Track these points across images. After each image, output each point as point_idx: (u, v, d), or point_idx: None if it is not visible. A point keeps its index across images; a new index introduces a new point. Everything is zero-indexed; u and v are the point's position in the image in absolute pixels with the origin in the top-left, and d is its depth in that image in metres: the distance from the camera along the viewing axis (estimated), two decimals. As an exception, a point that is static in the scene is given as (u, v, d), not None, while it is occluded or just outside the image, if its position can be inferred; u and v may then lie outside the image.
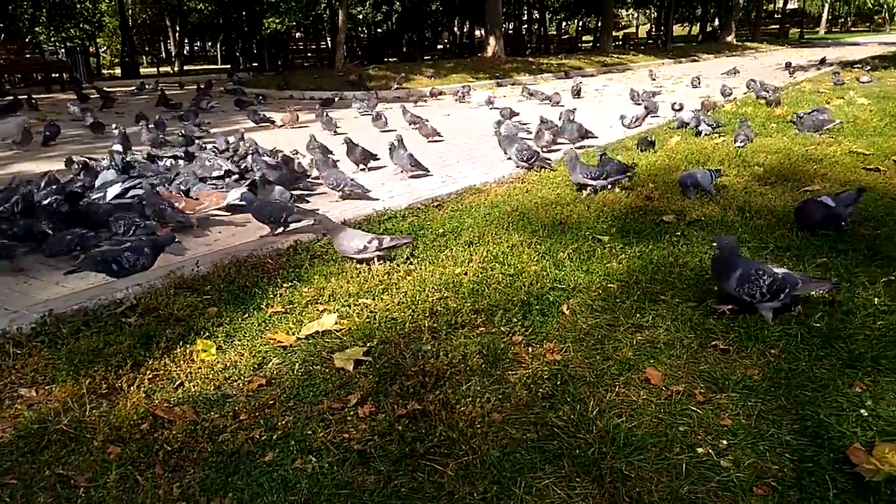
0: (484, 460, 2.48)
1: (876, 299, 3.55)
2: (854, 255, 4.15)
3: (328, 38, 31.48)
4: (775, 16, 60.24)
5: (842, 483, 2.35)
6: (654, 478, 2.40)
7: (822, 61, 21.10)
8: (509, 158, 7.42)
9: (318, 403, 2.87)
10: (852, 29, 63.23)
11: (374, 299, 3.78)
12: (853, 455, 2.43)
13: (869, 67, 18.38)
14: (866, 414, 2.69)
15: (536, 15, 44.76)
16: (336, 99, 15.05)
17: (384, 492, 2.35)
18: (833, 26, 64.37)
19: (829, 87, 14.02)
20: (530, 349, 3.24)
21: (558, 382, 2.97)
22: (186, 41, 44.26)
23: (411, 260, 4.39)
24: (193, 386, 3.06)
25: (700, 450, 2.53)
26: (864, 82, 14.01)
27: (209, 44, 50.74)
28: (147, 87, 19.11)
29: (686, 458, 2.48)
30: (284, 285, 4.04)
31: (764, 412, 2.74)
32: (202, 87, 16.93)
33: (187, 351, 3.33)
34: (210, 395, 2.99)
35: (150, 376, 3.13)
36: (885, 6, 16.28)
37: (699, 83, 16.54)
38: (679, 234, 4.70)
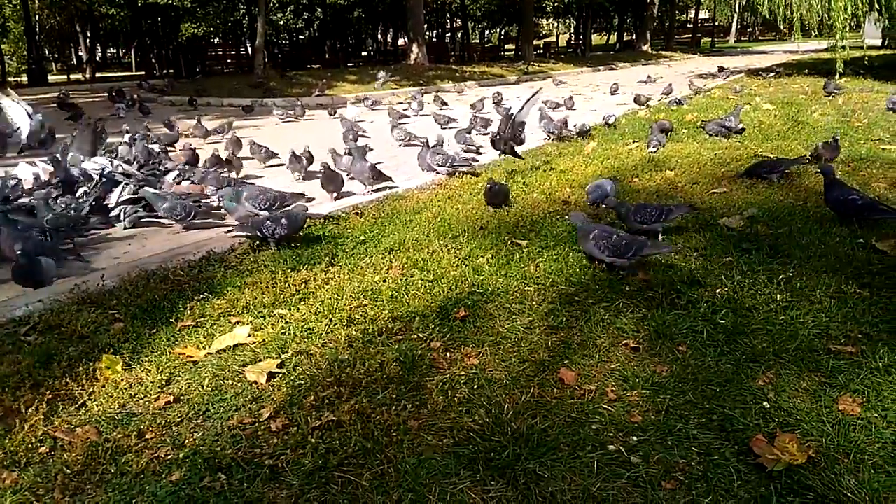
0: (399, 468, 2.46)
1: (777, 295, 3.72)
2: (757, 253, 4.35)
3: (248, 45, 30.86)
4: (688, 25, 62.87)
5: (746, 474, 2.44)
6: (567, 477, 2.44)
7: (720, 70, 22.11)
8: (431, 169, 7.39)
9: (229, 419, 2.78)
10: (760, 38, 66.65)
11: (289, 309, 3.71)
12: (756, 446, 2.54)
13: (773, 74, 19.39)
14: (768, 406, 2.81)
15: (459, 23, 45.24)
16: (255, 106, 14.74)
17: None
18: (742, 35, 67.75)
19: (736, 93, 14.70)
20: (448, 354, 3.25)
21: (475, 386, 2.98)
22: (98, 47, 42.45)
23: (330, 268, 4.33)
24: (97, 405, 2.92)
25: (611, 447, 2.59)
26: (737, 91, 14.75)
27: (122, 50, 48.87)
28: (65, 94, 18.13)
29: (598, 456, 2.53)
30: (195, 298, 3.91)
31: (672, 408, 2.82)
32: (114, 94, 16.19)
33: (91, 369, 3.17)
34: (114, 414, 2.86)
35: (51, 397, 2.97)
36: (787, 19, 17.16)
37: (617, 90, 17.06)
38: (594, 236, 4.80)
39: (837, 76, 15.74)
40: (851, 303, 3.61)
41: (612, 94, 16.75)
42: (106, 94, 16.36)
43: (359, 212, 5.74)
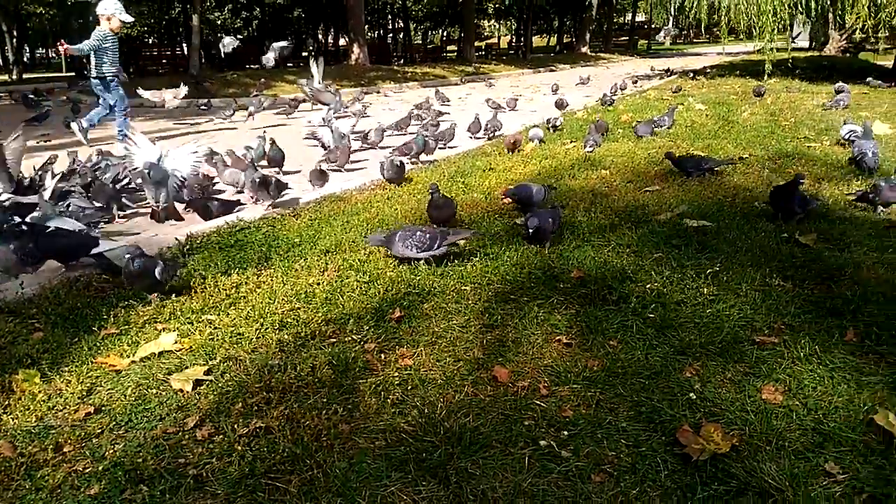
0: (329, 473, 2.42)
1: (705, 289, 3.82)
2: (686, 249, 4.46)
3: (183, 45, 30.08)
4: (625, 28, 64.29)
5: (672, 464, 2.49)
6: (498, 474, 2.44)
7: (652, 70, 22.72)
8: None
9: (153, 429, 2.68)
10: (695, 41, 68.59)
11: (219, 315, 3.61)
12: (682, 436, 2.59)
13: (707, 75, 19.99)
14: (695, 397, 2.87)
15: (401, 24, 45.15)
16: (188, 106, 14.37)
17: (219, 515, 2.24)
18: (678, 38, 69.62)
19: (670, 94, 15.10)
20: (382, 356, 3.21)
21: (409, 387, 2.96)
22: (27, 47, 40.69)
23: (262, 271, 4.24)
24: (12, 419, 2.78)
25: (543, 442, 2.60)
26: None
27: (52, 50, 46.94)
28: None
29: (529, 452, 2.54)
30: (120, 305, 3.77)
31: (603, 401, 2.86)
32: (30, 95, 15.11)
33: (6, 381, 3.02)
34: (30, 427, 2.72)
35: (-39, 413, 2.81)
36: (718, 22, 17.76)
37: (557, 89, 17.28)
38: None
39: (766, 77, 16.34)
40: (775, 295, 3.73)
41: (554, 93, 16.94)
42: (22, 97, 14.92)
43: (295, 213, 5.65)
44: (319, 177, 6.50)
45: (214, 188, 6.59)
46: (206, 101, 14.82)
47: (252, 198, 6.11)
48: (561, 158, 7.66)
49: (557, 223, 4.66)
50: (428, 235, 4.19)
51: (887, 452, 2.47)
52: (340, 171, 7.51)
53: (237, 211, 5.71)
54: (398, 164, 6.50)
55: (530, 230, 4.39)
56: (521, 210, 5.36)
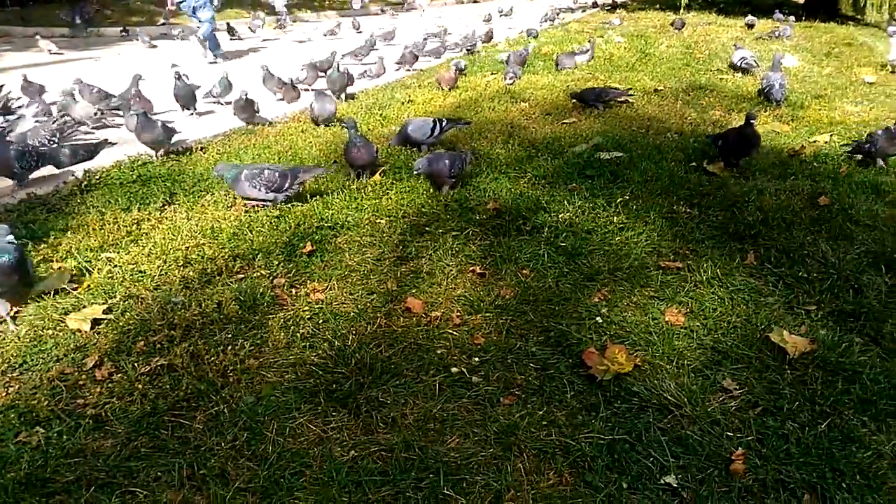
0: (235, 408, 2.37)
1: (615, 218, 3.89)
2: (599, 179, 4.51)
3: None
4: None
5: (578, 385, 2.55)
6: (409, 401, 2.44)
7: (574, 2, 22.51)
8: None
9: (48, 370, 2.55)
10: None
11: (118, 252, 3.43)
12: (588, 358, 2.65)
13: (628, 8, 20.04)
14: (601, 321, 2.94)
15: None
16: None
17: (122, 454, 2.16)
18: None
19: (592, 27, 15.07)
20: (293, 291, 3.14)
21: (320, 321, 2.91)
22: None
23: (166, 207, 4.04)
24: None
25: (454, 369, 2.62)
26: (615, 24, 15.18)
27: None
28: None
29: (441, 379, 2.56)
30: (11, 245, 3.53)
31: (513, 328, 2.89)
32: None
33: None
34: (-90, 374, 2.54)
35: None
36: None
37: (491, 19, 16.82)
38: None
39: (683, 10, 16.50)
40: (682, 222, 3.83)
41: (486, 22, 16.53)
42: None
43: (202, 147, 5.38)
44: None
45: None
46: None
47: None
48: (481, 90, 7.57)
49: (459, 166, 4.29)
50: (277, 174, 3.92)
51: (781, 368, 2.60)
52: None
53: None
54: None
55: (415, 172, 4.16)
56: (412, 147, 5.22)
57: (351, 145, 4.42)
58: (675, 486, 2.07)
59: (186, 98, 6.63)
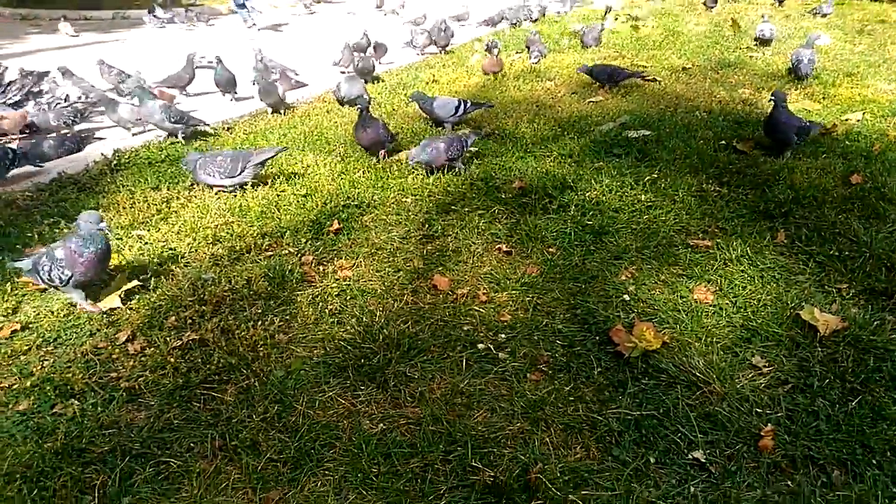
0: (266, 381, 2.40)
1: (642, 196, 3.85)
2: (626, 158, 4.47)
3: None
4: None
5: (605, 361, 2.55)
6: (436, 376, 2.46)
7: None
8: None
9: (82, 345, 2.61)
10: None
11: (149, 230, 3.49)
12: (615, 336, 2.64)
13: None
14: (629, 299, 2.93)
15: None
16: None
17: (155, 426, 2.21)
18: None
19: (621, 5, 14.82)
20: (320, 268, 3.17)
21: (347, 298, 2.93)
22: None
23: (194, 186, 4.09)
24: (-67, 340, 2.66)
25: (480, 345, 2.63)
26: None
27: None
28: None
29: (467, 355, 2.57)
30: (45, 222, 3.60)
31: (540, 305, 2.89)
32: None
33: (-75, 303, 2.88)
34: (-48, 348, 2.61)
35: None
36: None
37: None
38: (474, 148, 4.77)
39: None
40: (710, 200, 3.79)
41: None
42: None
43: (228, 127, 5.43)
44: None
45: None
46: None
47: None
48: (506, 70, 7.50)
49: (458, 149, 4.18)
50: (229, 160, 3.89)
51: (811, 346, 2.57)
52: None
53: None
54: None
55: (410, 162, 4.14)
56: (434, 124, 5.30)
57: (357, 125, 4.45)
58: (703, 461, 2.07)
59: (227, 83, 6.56)
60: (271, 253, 3.26)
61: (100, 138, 5.37)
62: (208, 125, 5.28)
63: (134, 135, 5.36)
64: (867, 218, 3.52)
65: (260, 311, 2.80)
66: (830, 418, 2.22)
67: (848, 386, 2.36)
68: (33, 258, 2.80)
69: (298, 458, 2.09)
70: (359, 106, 4.51)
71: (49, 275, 2.72)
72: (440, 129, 5.11)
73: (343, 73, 7.34)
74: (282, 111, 5.91)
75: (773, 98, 4.42)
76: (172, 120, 4.88)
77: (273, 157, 4.12)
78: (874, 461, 2.07)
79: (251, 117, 5.87)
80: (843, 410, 2.25)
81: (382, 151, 4.52)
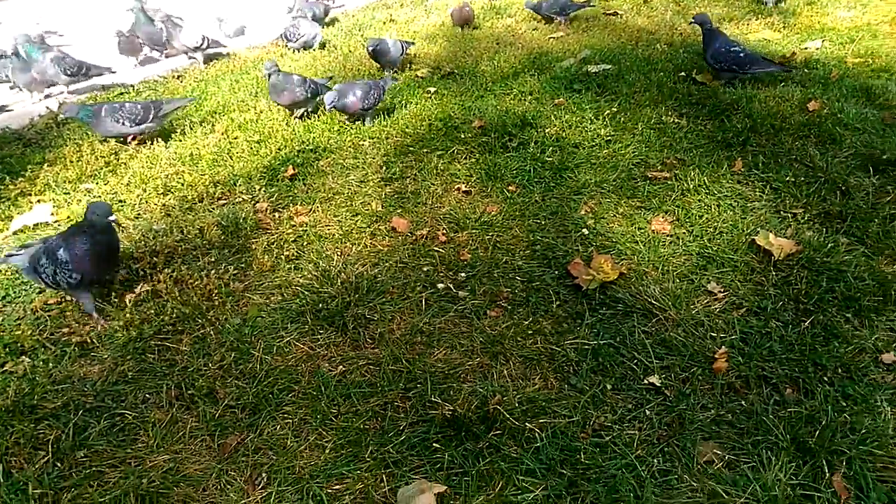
0: (221, 330, 2.37)
1: (602, 131, 3.82)
2: (586, 93, 4.41)
3: None
4: None
5: (564, 294, 2.55)
6: (395, 317, 2.45)
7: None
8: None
9: (31, 302, 2.55)
10: None
11: (97, 183, 3.39)
12: (574, 269, 2.65)
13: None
14: (587, 233, 2.92)
15: None
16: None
17: (109, 379, 2.18)
18: None
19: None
20: (276, 215, 3.11)
21: (304, 243, 2.89)
22: None
23: (143, 136, 3.96)
24: None
25: (440, 285, 2.62)
26: None
27: None
28: None
29: (427, 295, 2.56)
30: (-11, 180, 3.47)
31: (500, 243, 2.88)
32: None
33: None
34: None
35: None
36: None
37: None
38: (433, 89, 4.68)
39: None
40: (669, 132, 3.76)
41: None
42: None
43: (178, 75, 5.24)
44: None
45: None
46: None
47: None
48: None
49: (375, 96, 4.03)
50: (140, 106, 3.76)
51: (766, 270, 2.60)
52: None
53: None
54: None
55: (327, 108, 3.89)
56: (379, 65, 5.07)
57: (271, 89, 4.07)
58: (659, 385, 2.10)
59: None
60: (224, 201, 3.19)
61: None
62: (114, 72, 5.03)
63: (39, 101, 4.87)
64: (823, 143, 3.53)
65: (213, 260, 2.75)
66: (784, 339, 2.26)
67: (801, 307, 2.40)
68: (28, 253, 2.42)
69: (257, 404, 2.08)
70: (266, 72, 4.02)
71: (53, 278, 2.34)
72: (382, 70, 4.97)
73: (295, 17, 7.12)
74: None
75: (693, 22, 4.50)
76: (69, 72, 4.61)
77: (182, 106, 4.03)
78: (825, 378, 2.11)
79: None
80: (795, 331, 2.29)
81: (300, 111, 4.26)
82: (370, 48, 4.76)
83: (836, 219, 2.90)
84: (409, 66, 5.22)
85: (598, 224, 2.98)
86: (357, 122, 4.05)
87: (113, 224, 2.37)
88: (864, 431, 1.89)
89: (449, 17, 6.65)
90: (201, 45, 5.57)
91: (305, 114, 4.22)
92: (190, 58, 5.78)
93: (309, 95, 4.12)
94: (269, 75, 3.98)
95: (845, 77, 4.53)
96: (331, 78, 4.56)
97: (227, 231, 2.92)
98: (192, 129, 4.03)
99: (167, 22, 5.58)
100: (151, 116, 3.79)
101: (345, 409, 2.05)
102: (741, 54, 4.33)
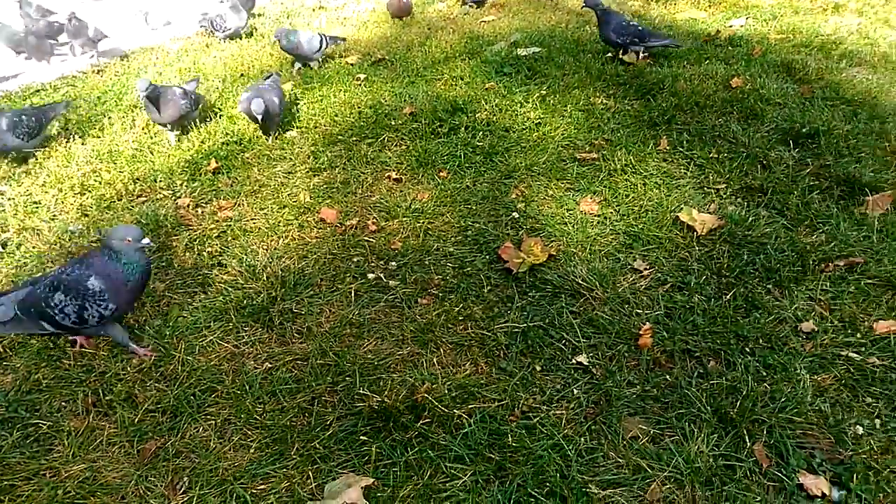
0: (141, 332, 2.29)
1: (532, 114, 3.82)
2: (516, 76, 4.41)
3: None
4: None
5: (495, 279, 2.55)
6: (324, 310, 2.41)
7: None
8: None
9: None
10: None
11: (10, 185, 3.22)
12: (504, 253, 2.64)
13: None
14: (518, 216, 2.92)
15: None
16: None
17: (23, 388, 2.11)
18: None
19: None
20: (199, 210, 3.01)
21: (228, 239, 2.81)
22: None
23: (59, 134, 3.79)
24: None
25: (371, 275, 2.58)
26: None
27: None
28: None
29: (357, 286, 2.52)
30: None
31: (431, 230, 2.86)
32: None
33: None
34: None
35: None
36: None
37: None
38: (363, 76, 4.61)
39: None
40: (597, 113, 3.79)
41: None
42: None
43: (98, 70, 5.04)
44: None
45: None
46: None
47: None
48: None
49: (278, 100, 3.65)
50: (32, 118, 3.42)
51: (689, 246, 2.65)
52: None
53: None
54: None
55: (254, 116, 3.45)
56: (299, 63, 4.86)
57: (151, 110, 3.49)
58: (587, 364, 2.11)
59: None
60: (144, 199, 3.08)
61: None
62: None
63: None
64: (746, 119, 3.62)
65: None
66: (706, 312, 2.30)
67: (724, 280, 2.45)
68: (10, 300, 2.07)
69: (178, 406, 2.01)
70: (141, 95, 3.40)
71: (78, 315, 2.03)
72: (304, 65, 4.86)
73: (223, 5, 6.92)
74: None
75: (585, 5, 4.58)
76: None
77: (62, 112, 3.74)
78: (747, 349, 2.16)
79: (122, 58, 5.45)
80: (718, 304, 2.33)
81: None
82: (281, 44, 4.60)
83: (757, 192, 2.97)
84: (339, 54, 5.13)
85: (528, 207, 2.98)
86: (285, 111, 3.95)
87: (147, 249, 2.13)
88: (783, 400, 1.95)
89: (384, 4, 6.52)
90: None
91: (188, 127, 3.79)
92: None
93: (192, 107, 3.69)
94: (148, 96, 3.39)
95: (767, 53, 4.64)
96: (196, 78, 4.06)
97: (147, 229, 2.81)
98: (111, 125, 3.87)
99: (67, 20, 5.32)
100: (40, 126, 3.46)
101: (270, 407, 2.00)
102: (639, 27, 4.49)
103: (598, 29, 4.61)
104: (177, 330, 2.30)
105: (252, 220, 2.94)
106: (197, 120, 3.79)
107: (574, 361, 2.13)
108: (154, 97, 3.40)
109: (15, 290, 2.13)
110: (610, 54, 4.64)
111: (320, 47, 4.76)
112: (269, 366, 2.16)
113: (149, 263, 2.16)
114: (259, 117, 3.40)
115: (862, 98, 3.72)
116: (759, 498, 1.70)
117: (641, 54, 4.49)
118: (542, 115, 3.79)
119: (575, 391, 2.03)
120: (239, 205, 3.04)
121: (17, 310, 2.06)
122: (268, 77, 3.90)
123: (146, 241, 2.08)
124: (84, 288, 2.02)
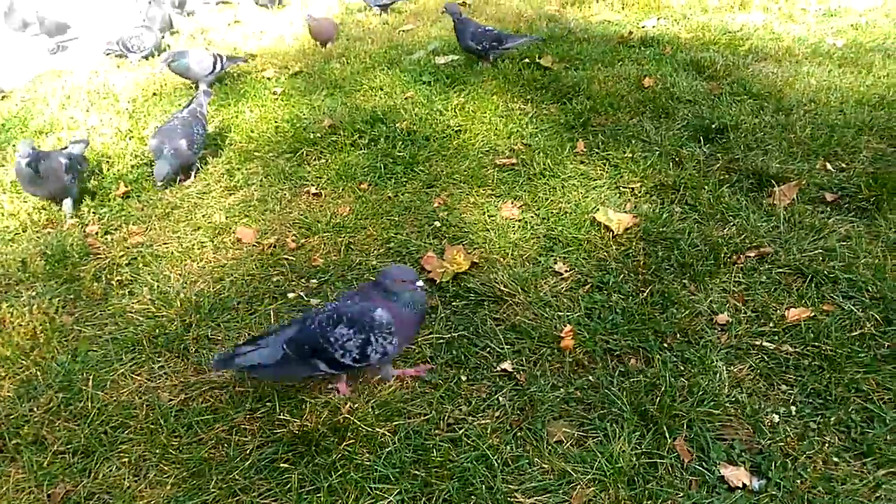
0: (49, 370, 2.17)
1: (452, 122, 3.83)
2: (436, 84, 4.41)
3: None
4: None
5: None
6: (242, 334, 2.34)
7: None
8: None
9: None
10: None
11: None
12: (427, 263, 2.63)
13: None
14: (440, 225, 2.91)
15: None
16: None
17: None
18: None
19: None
20: (108, 237, 2.89)
21: (139, 265, 2.70)
22: None
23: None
24: None
25: (291, 295, 2.52)
26: None
27: None
28: None
29: (277, 306, 2.46)
30: None
31: (353, 244, 2.81)
32: None
33: None
34: None
35: None
36: None
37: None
38: (279, 90, 4.53)
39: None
40: (516, 118, 3.83)
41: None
42: None
43: (3, 96, 4.80)
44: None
45: None
46: None
47: None
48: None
49: (202, 132, 3.44)
50: None
51: (607, 246, 2.69)
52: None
53: None
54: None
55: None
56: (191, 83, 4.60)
57: (27, 180, 2.99)
58: (511, 370, 2.11)
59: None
60: (50, 229, 2.93)
61: None
62: None
63: None
64: (658, 118, 3.71)
65: (37, 293, 2.51)
66: (625, 311, 2.33)
67: (641, 278, 2.49)
68: (285, 334, 1.94)
69: (88, 446, 1.91)
70: (23, 160, 2.92)
71: (360, 352, 1.90)
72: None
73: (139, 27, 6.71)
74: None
75: (444, 11, 4.66)
76: None
77: None
78: (665, 344, 2.20)
79: (30, 82, 5.21)
80: (636, 301, 2.37)
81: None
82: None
83: (670, 189, 3.04)
84: (254, 69, 5.03)
85: (450, 215, 2.98)
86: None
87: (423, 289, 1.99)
88: (701, 393, 1.99)
89: (305, 23, 6.20)
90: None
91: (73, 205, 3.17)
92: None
93: (73, 181, 3.11)
94: (30, 163, 2.90)
95: (678, 52, 4.79)
96: (85, 140, 3.42)
97: (53, 260, 2.68)
98: (15, 153, 3.68)
99: None
100: None
101: (187, 440, 1.92)
102: (496, 32, 4.60)
103: (456, 39, 4.65)
104: (86, 365, 2.19)
105: (164, 244, 2.83)
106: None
107: (499, 369, 2.12)
108: (34, 165, 2.92)
109: (275, 329, 2.02)
110: (527, 60, 4.69)
111: (214, 69, 4.47)
112: (185, 396, 2.08)
113: (425, 303, 2.03)
114: (161, 184, 3.21)
115: (768, 92, 3.87)
116: (681, 493, 1.73)
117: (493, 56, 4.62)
118: (461, 123, 3.80)
119: (500, 399, 2.02)
120: (150, 229, 2.93)
121: (286, 349, 1.92)
122: (189, 104, 3.58)
123: (420, 283, 1.96)
124: (370, 319, 1.90)
